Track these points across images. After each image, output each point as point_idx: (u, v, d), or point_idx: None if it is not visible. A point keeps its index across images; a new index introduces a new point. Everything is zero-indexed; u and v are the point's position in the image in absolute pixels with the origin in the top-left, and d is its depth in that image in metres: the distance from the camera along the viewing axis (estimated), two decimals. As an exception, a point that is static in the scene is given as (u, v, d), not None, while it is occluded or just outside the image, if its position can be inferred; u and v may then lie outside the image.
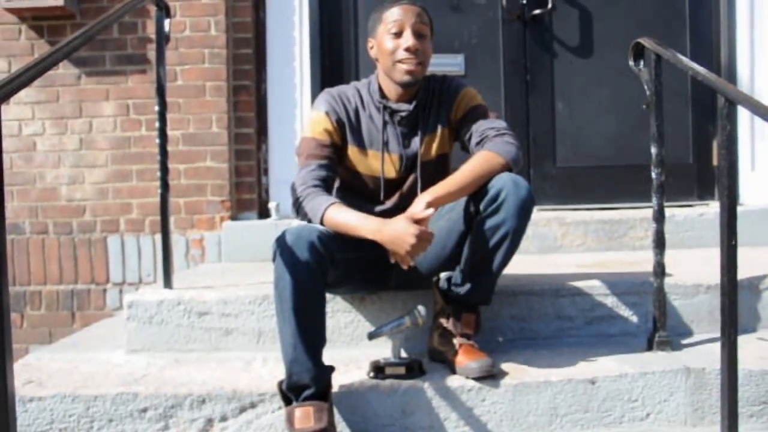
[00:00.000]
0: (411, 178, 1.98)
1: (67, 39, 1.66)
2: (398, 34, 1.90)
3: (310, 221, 1.84)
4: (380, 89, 1.98)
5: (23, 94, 3.08)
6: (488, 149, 1.84)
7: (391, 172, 1.98)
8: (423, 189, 1.85)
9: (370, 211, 1.97)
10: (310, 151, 1.91)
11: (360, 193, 2.01)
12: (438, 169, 1.98)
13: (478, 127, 1.92)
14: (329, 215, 1.80)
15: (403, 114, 1.96)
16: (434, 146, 1.99)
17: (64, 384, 1.87)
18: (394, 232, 1.72)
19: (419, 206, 1.75)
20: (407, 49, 1.89)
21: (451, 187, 1.79)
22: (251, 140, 3.14)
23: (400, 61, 1.90)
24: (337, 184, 2.05)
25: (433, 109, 1.99)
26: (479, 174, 1.80)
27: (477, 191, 1.82)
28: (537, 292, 2.11)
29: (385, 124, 1.97)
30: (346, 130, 1.96)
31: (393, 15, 1.91)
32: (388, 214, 1.97)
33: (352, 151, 1.97)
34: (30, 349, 2.94)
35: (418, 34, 1.90)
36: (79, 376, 1.94)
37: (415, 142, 1.97)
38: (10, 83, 1.37)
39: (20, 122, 3.12)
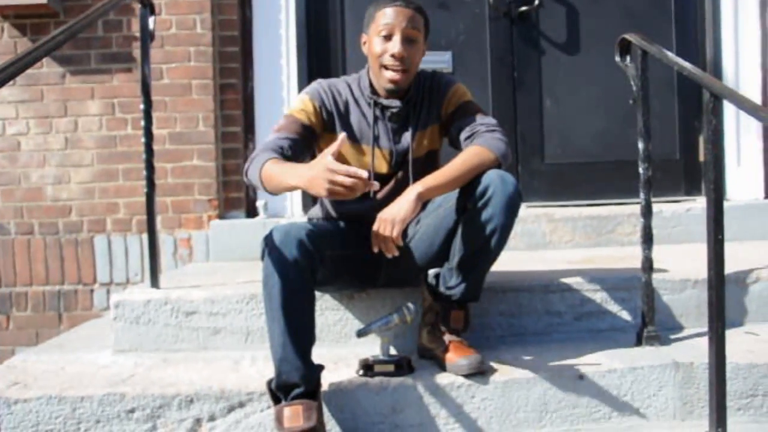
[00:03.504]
0: (400, 174, 1.98)
1: (49, 36, 1.64)
2: (387, 38, 1.89)
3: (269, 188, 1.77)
4: (371, 85, 1.97)
5: (6, 93, 3.05)
6: (478, 144, 1.85)
7: (382, 167, 1.97)
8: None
9: (359, 206, 1.97)
10: (282, 125, 1.90)
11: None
12: (427, 165, 1.97)
13: (469, 123, 1.92)
14: (266, 168, 1.74)
15: (394, 110, 1.95)
16: (425, 142, 1.99)
17: (50, 385, 1.85)
18: (312, 174, 1.59)
19: (410, 195, 1.75)
20: (393, 56, 1.88)
21: (442, 178, 1.79)
22: (238, 138, 3.12)
23: (385, 66, 1.90)
24: None
25: (424, 105, 1.99)
26: (470, 167, 1.80)
27: (465, 188, 1.82)
28: (526, 289, 2.11)
29: (375, 119, 1.96)
30: (334, 120, 1.95)
31: (385, 17, 1.89)
32: (377, 209, 1.96)
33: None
34: (16, 351, 2.91)
35: (407, 40, 1.89)
36: (65, 377, 1.93)
37: (406, 137, 1.97)
38: (-9, 81, 1.35)
39: (4, 122, 3.09)
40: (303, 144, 1.89)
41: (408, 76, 1.91)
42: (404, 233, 1.98)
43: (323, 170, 1.55)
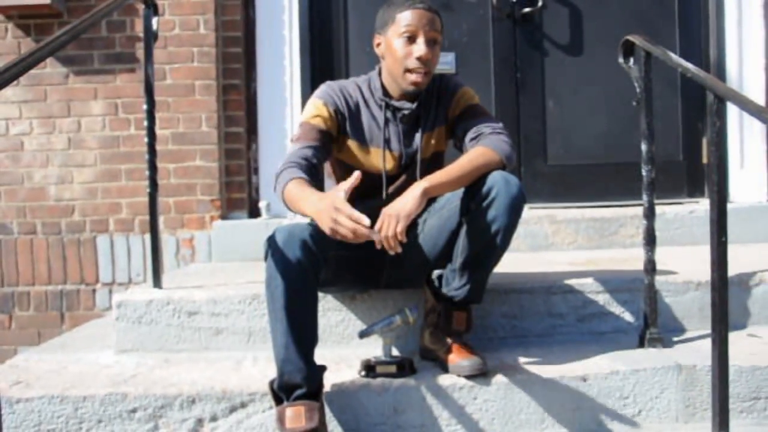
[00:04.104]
0: (406, 175, 1.96)
1: (52, 36, 1.65)
2: (411, 40, 1.88)
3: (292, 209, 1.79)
4: (383, 86, 1.96)
5: (10, 93, 3.06)
6: (484, 145, 1.85)
7: (391, 169, 1.97)
8: None
9: (369, 206, 1.97)
10: (300, 134, 1.89)
11: (358, 188, 1.99)
12: (432, 166, 1.95)
13: (475, 125, 1.92)
14: (287, 190, 1.74)
15: (406, 112, 1.95)
16: (432, 143, 1.99)
17: (53, 385, 1.85)
18: (320, 207, 1.61)
19: (415, 191, 1.73)
20: (419, 59, 1.86)
21: (448, 176, 1.79)
22: (241, 139, 3.12)
23: (409, 70, 1.88)
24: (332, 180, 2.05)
25: (432, 107, 1.99)
26: (475, 166, 1.80)
27: (468, 189, 1.82)
28: (528, 290, 2.10)
29: (386, 121, 1.96)
30: (346, 122, 1.95)
31: (407, 18, 1.88)
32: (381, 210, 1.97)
33: (353, 144, 1.95)
34: (19, 351, 2.92)
35: (430, 42, 1.88)
36: (67, 376, 1.93)
37: (416, 139, 1.97)
38: (-5, 80, 1.35)
39: (7, 121, 3.09)
40: (324, 150, 1.89)
41: (429, 78, 1.91)
42: (408, 232, 1.98)
43: (330, 208, 1.57)
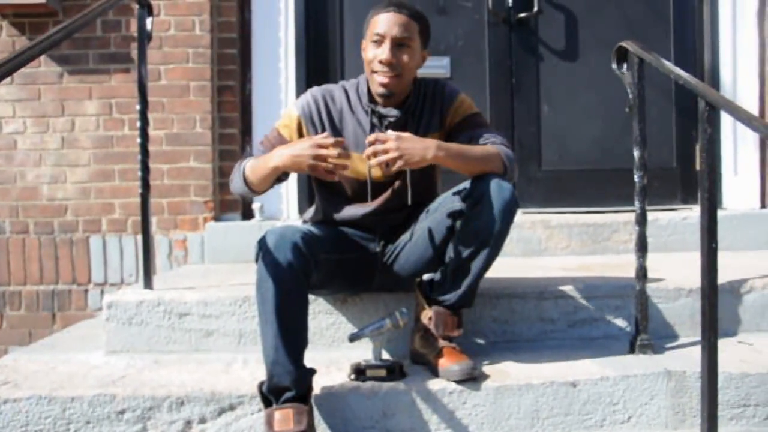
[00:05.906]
0: (397, 183, 1.95)
1: (46, 34, 1.64)
2: (379, 44, 1.88)
3: (250, 191, 1.91)
4: (369, 92, 1.95)
5: (4, 92, 3.05)
6: (497, 149, 1.85)
7: (379, 176, 1.95)
8: (412, 192, 1.84)
9: (354, 213, 1.97)
10: (266, 137, 1.99)
11: (343, 194, 1.99)
12: (424, 173, 1.93)
13: (483, 134, 1.91)
14: (248, 164, 1.86)
15: (392, 119, 1.93)
16: None
17: (41, 385, 1.84)
18: (295, 152, 1.74)
19: (428, 151, 1.74)
20: (380, 62, 1.87)
21: (461, 151, 1.80)
22: (235, 141, 3.12)
23: (375, 72, 1.88)
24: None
25: (424, 113, 1.97)
26: (485, 158, 1.81)
27: (461, 192, 1.82)
28: (520, 295, 2.10)
29: (372, 127, 1.94)
30: (325, 130, 1.94)
31: (377, 22, 1.89)
32: (373, 216, 1.96)
33: None
34: (9, 351, 2.90)
35: (397, 46, 1.87)
36: (56, 377, 1.92)
37: None
38: (-14, 78, 1.35)
39: (0, 120, 3.08)
40: None
41: (400, 80, 1.89)
42: (401, 234, 1.98)
43: (310, 144, 1.72)
